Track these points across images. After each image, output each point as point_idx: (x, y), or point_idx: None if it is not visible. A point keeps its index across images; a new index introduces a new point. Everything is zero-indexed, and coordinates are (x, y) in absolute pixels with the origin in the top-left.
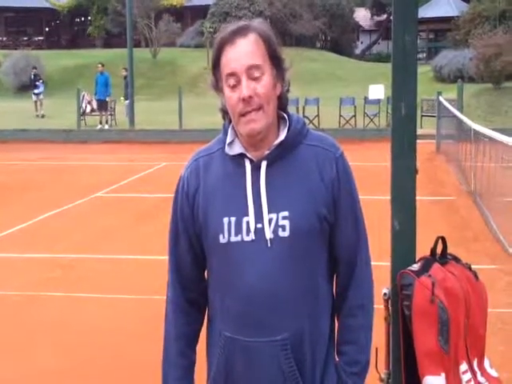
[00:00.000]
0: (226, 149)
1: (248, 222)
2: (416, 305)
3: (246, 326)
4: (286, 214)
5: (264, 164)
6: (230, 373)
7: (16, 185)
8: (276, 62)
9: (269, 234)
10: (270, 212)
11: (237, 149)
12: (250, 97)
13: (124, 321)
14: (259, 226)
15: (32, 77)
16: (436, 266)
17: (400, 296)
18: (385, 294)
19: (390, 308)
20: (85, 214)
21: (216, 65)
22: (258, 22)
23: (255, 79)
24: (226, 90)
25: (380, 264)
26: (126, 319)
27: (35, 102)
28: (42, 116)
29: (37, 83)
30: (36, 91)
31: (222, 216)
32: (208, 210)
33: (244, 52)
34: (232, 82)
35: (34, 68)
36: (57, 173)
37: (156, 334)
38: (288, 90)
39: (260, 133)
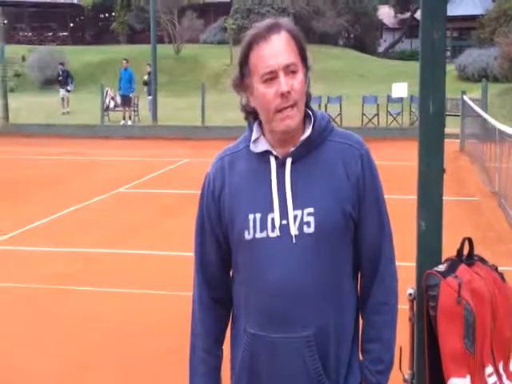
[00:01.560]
0: (251, 146)
1: (273, 219)
2: (442, 306)
3: (271, 322)
4: (311, 210)
5: (289, 161)
6: (254, 369)
7: (39, 179)
8: (305, 60)
9: (294, 231)
10: (295, 208)
11: (262, 146)
12: (289, 92)
13: (146, 316)
14: (284, 222)
15: (60, 72)
16: (462, 267)
17: (425, 297)
18: (410, 294)
19: (415, 308)
20: (107, 208)
21: (245, 61)
22: (285, 20)
23: (291, 76)
24: (260, 87)
25: (403, 264)
26: (148, 315)
27: (62, 98)
28: (68, 113)
29: (68, 80)
30: (68, 88)
31: (248, 212)
32: (234, 207)
33: (280, 48)
34: (268, 77)
35: (61, 64)
36: (80, 168)
37: (178, 330)
38: (309, 87)
39: (294, 129)
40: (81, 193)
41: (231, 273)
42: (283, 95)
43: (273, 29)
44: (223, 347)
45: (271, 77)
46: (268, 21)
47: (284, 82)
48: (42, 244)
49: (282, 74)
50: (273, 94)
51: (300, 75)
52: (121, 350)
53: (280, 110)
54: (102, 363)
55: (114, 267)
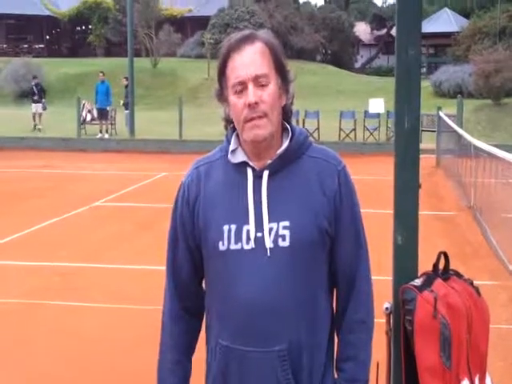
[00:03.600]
0: (229, 156)
1: (248, 231)
2: (418, 320)
3: (244, 335)
4: (286, 223)
5: (266, 173)
6: (227, 382)
7: (14, 193)
8: (281, 71)
9: (269, 243)
10: (270, 221)
11: (240, 157)
12: (256, 103)
13: (123, 330)
14: (259, 234)
15: (34, 87)
16: (438, 281)
17: (402, 311)
18: (386, 308)
19: (392, 323)
20: (84, 222)
21: (222, 73)
22: (264, 32)
23: (261, 87)
24: (232, 97)
25: (379, 278)
26: (125, 329)
27: (34, 113)
28: (39, 130)
29: (42, 95)
30: (39, 105)
31: (223, 223)
32: (208, 217)
33: (251, 60)
34: (238, 88)
35: (35, 77)
36: (56, 181)
37: (154, 344)
38: (292, 103)
39: (265, 139)
40: (57, 206)
41: (203, 284)
42: (250, 106)
43: (247, 40)
44: (196, 357)
45: (241, 88)
46: (244, 32)
47: (251, 93)
48: (17, 258)
49: (250, 85)
50: (241, 104)
51: (271, 87)
52: (97, 364)
53: (248, 120)
54: (78, 377)
55: (91, 282)
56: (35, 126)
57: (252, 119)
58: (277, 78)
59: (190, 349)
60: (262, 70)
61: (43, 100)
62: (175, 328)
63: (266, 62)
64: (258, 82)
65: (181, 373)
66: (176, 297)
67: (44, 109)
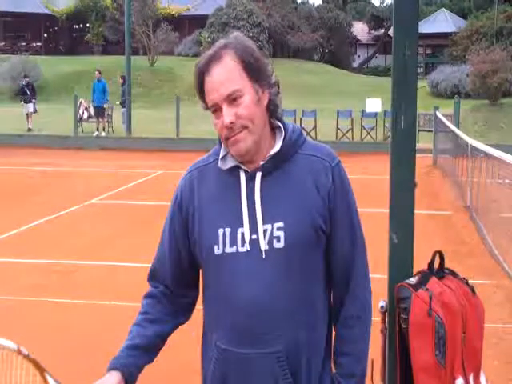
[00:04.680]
0: (220, 163)
1: (243, 233)
2: (413, 318)
3: (241, 338)
4: (280, 224)
5: (259, 175)
6: None
7: (11, 190)
8: (256, 74)
9: (264, 245)
10: (264, 223)
11: (230, 162)
12: (232, 123)
13: (120, 328)
14: (254, 237)
15: (25, 86)
16: (433, 279)
17: (397, 309)
18: (382, 306)
19: (387, 321)
20: (80, 220)
21: (200, 93)
22: (233, 37)
23: (235, 101)
24: (213, 117)
25: (375, 276)
26: (122, 326)
27: (27, 114)
28: (29, 130)
29: (33, 95)
30: (30, 106)
31: (217, 227)
32: (203, 222)
33: (220, 81)
34: (214, 109)
35: (25, 76)
36: (52, 179)
37: None
38: (278, 92)
39: (248, 151)
40: (54, 204)
41: (201, 289)
42: (227, 127)
43: (213, 58)
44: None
45: (216, 109)
46: (212, 48)
47: (226, 115)
48: (14, 255)
49: (224, 106)
50: (220, 125)
51: (246, 98)
52: (94, 361)
53: (229, 138)
54: (75, 374)
55: (88, 279)
56: (29, 129)
57: (232, 136)
58: (252, 85)
59: (163, 330)
60: (233, 86)
61: (34, 100)
62: (150, 301)
63: (237, 76)
64: (231, 99)
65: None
66: (157, 288)
67: (35, 111)
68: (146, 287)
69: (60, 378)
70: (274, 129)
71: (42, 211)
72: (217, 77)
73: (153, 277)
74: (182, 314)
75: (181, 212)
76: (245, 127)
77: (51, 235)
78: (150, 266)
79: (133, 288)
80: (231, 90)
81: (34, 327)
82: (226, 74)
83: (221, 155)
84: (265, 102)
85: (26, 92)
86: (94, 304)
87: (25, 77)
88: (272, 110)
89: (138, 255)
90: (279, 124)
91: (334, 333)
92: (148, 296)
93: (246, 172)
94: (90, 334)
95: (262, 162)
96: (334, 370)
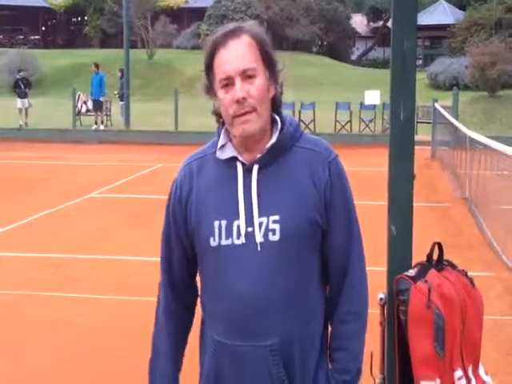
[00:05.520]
0: (218, 153)
1: (239, 226)
2: (412, 310)
3: (235, 330)
4: (276, 217)
5: (256, 168)
6: (220, 376)
7: (10, 183)
8: (269, 63)
9: (259, 238)
10: (260, 216)
11: (229, 152)
12: (244, 98)
13: (119, 321)
14: (250, 229)
15: (19, 81)
16: (432, 271)
17: (396, 301)
18: (381, 298)
19: (386, 313)
20: (79, 213)
21: (209, 67)
22: (250, 24)
23: (249, 81)
24: (220, 92)
25: (374, 269)
26: (121, 319)
27: (20, 109)
28: (26, 124)
29: (26, 90)
30: (25, 101)
31: (214, 219)
32: (200, 214)
33: (237, 54)
34: (226, 83)
35: (20, 70)
36: (51, 172)
37: (148, 335)
38: (281, 93)
39: (254, 134)
40: (52, 198)
41: (198, 280)
42: (238, 101)
43: (232, 34)
44: (187, 354)
45: (228, 83)
46: (229, 25)
47: (239, 89)
48: (12, 249)
49: (238, 80)
50: (229, 100)
51: (259, 80)
52: (94, 354)
53: (237, 116)
54: (75, 368)
55: (87, 273)
56: (21, 126)
57: (241, 115)
58: (265, 71)
59: (183, 341)
60: (250, 64)
61: (28, 95)
62: (170, 325)
63: (253, 56)
64: (245, 76)
65: (171, 368)
66: (171, 293)
67: (29, 105)
68: (146, 280)
69: (58, 370)
70: (272, 122)
71: (40, 205)
72: (234, 50)
73: (164, 269)
74: (189, 315)
75: (180, 205)
76: (254, 109)
77: (50, 229)
78: (149, 259)
79: (133, 281)
80: (248, 66)
81: (34, 322)
82: (244, 51)
83: (220, 144)
84: (271, 94)
85: (21, 86)
86: (93, 298)
87: (19, 71)
88: (275, 105)
89: (137, 248)
90: (277, 117)
91: (330, 329)
92: (170, 318)
93: (243, 164)
94: (90, 327)
95: (259, 155)
96: (329, 366)
